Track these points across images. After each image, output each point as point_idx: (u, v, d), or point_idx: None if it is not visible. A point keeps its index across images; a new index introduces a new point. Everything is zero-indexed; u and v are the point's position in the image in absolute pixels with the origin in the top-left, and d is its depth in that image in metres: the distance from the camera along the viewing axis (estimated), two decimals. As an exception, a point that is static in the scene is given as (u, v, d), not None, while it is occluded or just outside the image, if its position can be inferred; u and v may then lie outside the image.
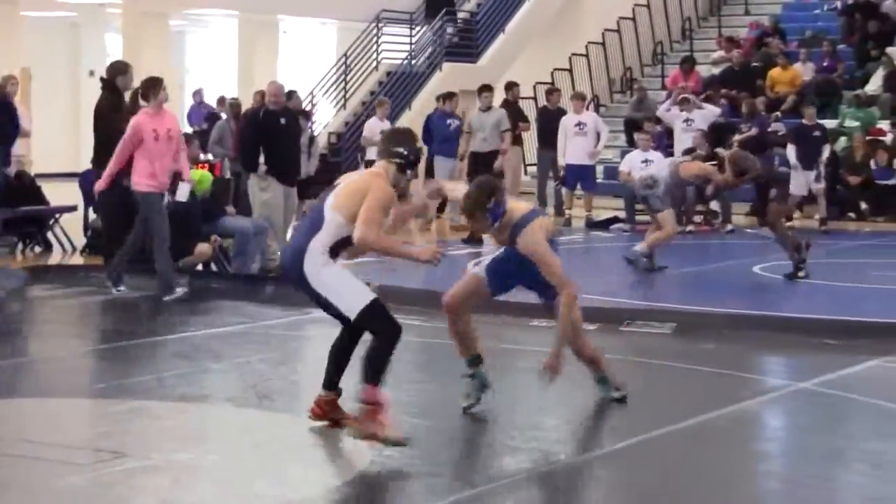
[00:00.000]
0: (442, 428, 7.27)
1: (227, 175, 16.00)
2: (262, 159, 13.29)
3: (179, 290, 11.73)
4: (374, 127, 19.04)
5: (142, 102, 12.22)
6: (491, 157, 16.74)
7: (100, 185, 11.92)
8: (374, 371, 6.52)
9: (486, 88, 17.34)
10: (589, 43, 25.49)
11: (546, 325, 10.44)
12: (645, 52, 26.28)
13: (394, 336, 6.56)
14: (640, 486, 6.43)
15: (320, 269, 6.60)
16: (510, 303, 11.23)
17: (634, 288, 12.48)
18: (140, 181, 11.58)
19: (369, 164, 19.17)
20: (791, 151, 18.53)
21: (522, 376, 8.47)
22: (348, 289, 6.61)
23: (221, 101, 22.09)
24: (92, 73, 25.10)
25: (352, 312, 6.57)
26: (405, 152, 6.82)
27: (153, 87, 11.82)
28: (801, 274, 12.81)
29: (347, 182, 6.81)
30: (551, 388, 7.46)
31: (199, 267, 12.92)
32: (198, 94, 25.41)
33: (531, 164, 22.48)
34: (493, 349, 8.13)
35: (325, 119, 25.42)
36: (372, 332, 6.61)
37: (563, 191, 20.11)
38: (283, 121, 13.46)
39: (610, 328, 10.34)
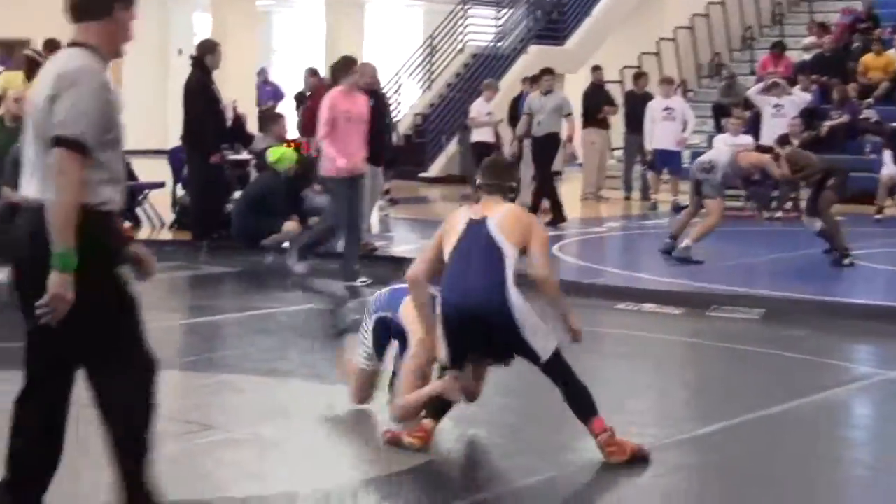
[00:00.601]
0: (528, 408, 7.29)
1: (315, 153, 16.11)
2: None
3: (360, 281, 11.33)
4: (481, 108, 19.28)
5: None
6: (548, 140, 16.65)
7: (341, 167, 11.28)
8: (586, 407, 6.30)
9: (547, 72, 17.29)
10: (677, 27, 25.29)
11: (632, 308, 10.46)
12: (734, 36, 26.02)
13: (575, 378, 6.34)
14: (726, 471, 6.42)
15: (522, 303, 6.24)
16: (596, 286, 11.26)
17: (722, 273, 12.39)
18: (328, 164, 11.29)
19: (477, 145, 19.23)
20: (888, 157, 18.25)
21: (609, 359, 8.47)
22: (542, 329, 6.30)
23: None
24: (180, 52, 25.34)
25: (545, 353, 6.27)
26: (516, 185, 6.70)
27: (346, 67, 11.49)
28: (846, 262, 12.63)
29: (504, 212, 6.40)
30: (637, 370, 7.44)
31: (286, 244, 13.03)
32: (262, 72, 25.52)
33: (617, 148, 22.39)
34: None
35: (410, 100, 25.49)
36: (555, 377, 6.33)
37: (650, 175, 20.03)
38: (371, 102, 13.50)
39: (696, 313, 10.30)
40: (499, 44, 25.11)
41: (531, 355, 6.26)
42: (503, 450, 6.48)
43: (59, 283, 4.31)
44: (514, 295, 6.23)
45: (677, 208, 18.96)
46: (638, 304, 10.55)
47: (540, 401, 7.33)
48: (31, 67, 12.88)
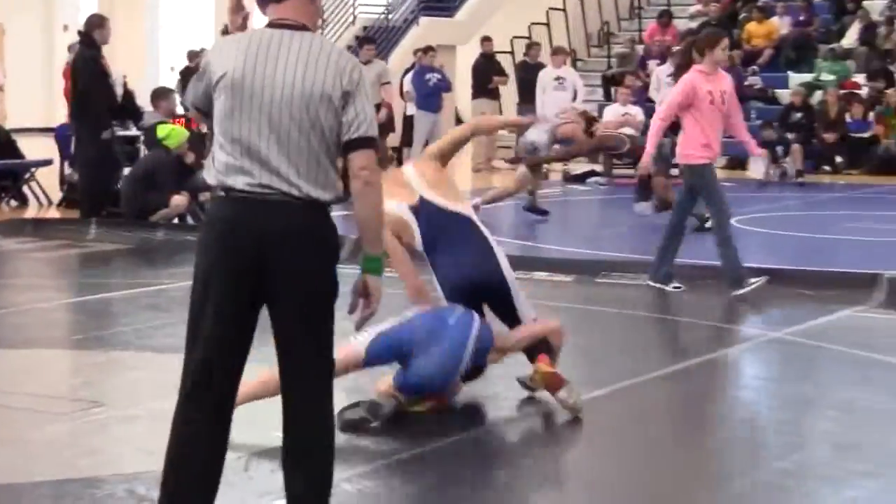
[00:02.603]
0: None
1: (204, 129, 15.99)
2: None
3: (753, 282, 9.81)
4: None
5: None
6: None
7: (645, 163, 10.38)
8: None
9: (367, 41, 17.44)
10: (566, -3, 25.47)
11: (524, 276, 10.51)
12: (622, 6, 26.23)
13: None
14: (617, 433, 6.51)
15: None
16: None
17: (611, 240, 12.55)
18: (691, 151, 9.80)
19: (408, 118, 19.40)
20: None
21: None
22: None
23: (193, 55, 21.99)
24: (66, 28, 24.94)
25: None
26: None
27: (712, 43, 9.85)
28: (707, 225, 12.84)
29: None
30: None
31: (175, 220, 12.93)
32: None
33: (509, 119, 22.44)
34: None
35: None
36: None
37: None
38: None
39: (586, 280, 10.40)
40: (389, 16, 25.05)
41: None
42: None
43: (378, 285, 4.21)
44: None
45: (569, 177, 19.17)
46: (530, 273, 10.61)
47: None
48: None
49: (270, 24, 4.21)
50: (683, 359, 7.85)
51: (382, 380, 6.36)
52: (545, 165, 19.96)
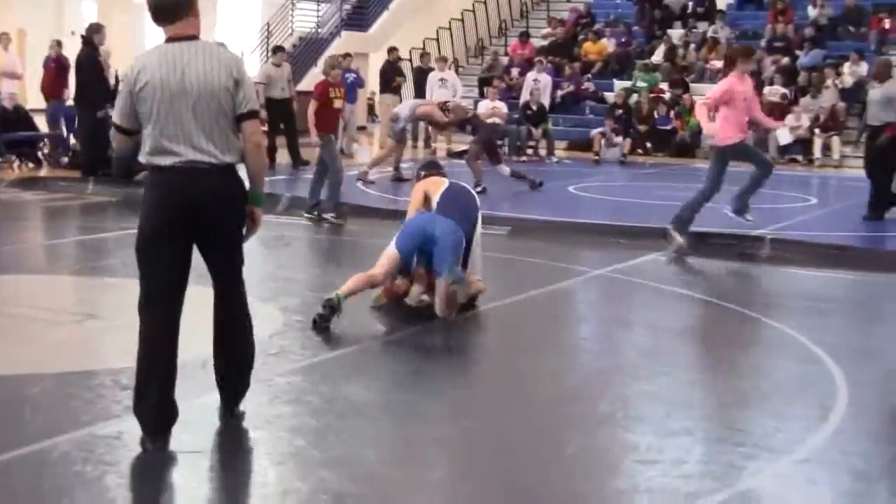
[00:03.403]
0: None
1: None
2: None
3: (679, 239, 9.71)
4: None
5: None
6: (286, 103, 16.49)
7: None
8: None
9: (280, 49, 17.27)
10: (451, 19, 25.30)
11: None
12: (493, 26, 26.15)
13: None
14: (479, 345, 6.54)
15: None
16: (386, 210, 11.21)
17: (480, 199, 12.49)
18: (729, 135, 9.59)
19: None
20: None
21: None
22: None
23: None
24: (73, 33, 24.18)
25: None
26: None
27: (744, 55, 9.80)
28: (478, 189, 12.82)
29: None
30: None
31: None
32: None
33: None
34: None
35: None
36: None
37: (431, 129, 20.07)
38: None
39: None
40: (319, 30, 24.70)
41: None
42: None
43: (260, 213, 4.45)
44: None
45: (451, 154, 19.11)
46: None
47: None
48: None
49: (170, 39, 4.31)
50: (533, 288, 7.89)
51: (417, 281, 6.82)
52: (433, 144, 20.05)
